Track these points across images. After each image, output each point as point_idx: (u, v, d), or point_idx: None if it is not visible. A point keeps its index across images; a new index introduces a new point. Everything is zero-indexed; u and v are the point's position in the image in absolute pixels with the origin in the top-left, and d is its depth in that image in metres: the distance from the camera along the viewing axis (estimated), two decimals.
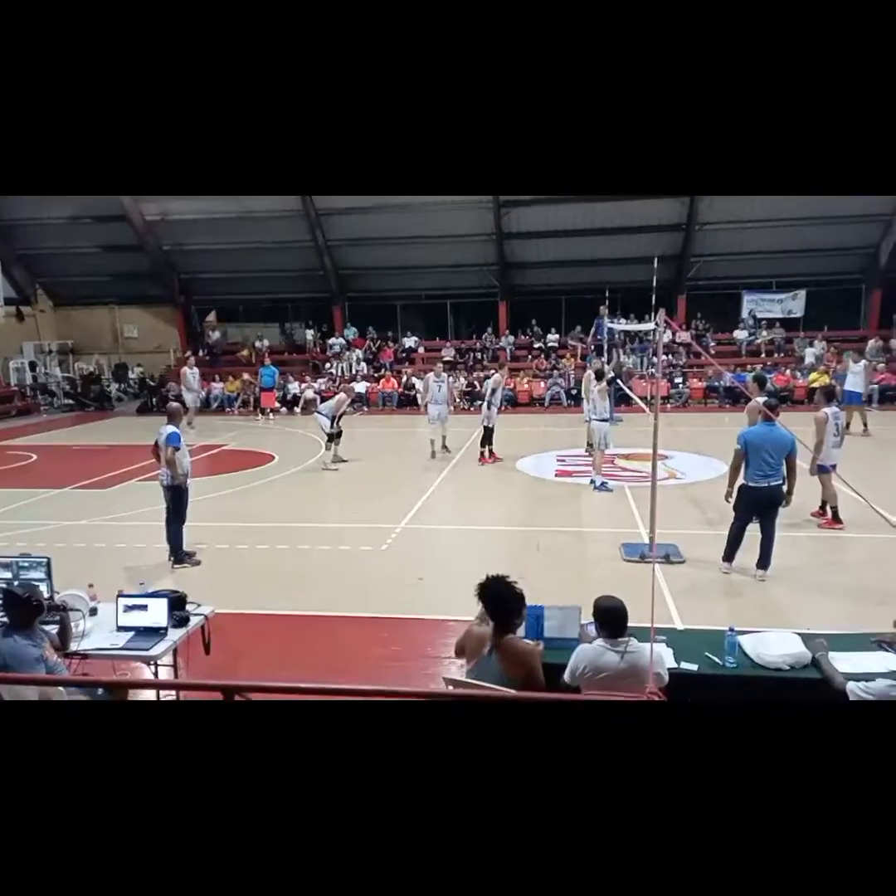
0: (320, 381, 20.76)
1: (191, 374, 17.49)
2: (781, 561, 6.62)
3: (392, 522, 8.49)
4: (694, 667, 3.81)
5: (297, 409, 19.55)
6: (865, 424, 13.40)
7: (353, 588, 6.60)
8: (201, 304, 23.97)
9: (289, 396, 20.06)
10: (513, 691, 3.21)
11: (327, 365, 21.70)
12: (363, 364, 21.58)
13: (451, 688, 3.55)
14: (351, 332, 22.73)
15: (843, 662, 3.58)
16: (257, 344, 22.70)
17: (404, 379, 20.46)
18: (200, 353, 22.89)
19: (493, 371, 14.12)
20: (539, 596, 4.27)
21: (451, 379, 19.07)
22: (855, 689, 3.16)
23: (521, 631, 3.71)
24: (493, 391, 11.83)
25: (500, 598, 3.49)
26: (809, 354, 19.31)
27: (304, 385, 20.39)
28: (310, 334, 22.99)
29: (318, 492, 10.67)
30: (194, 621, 4.38)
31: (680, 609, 5.78)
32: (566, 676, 3.49)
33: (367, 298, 23.30)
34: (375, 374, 21.19)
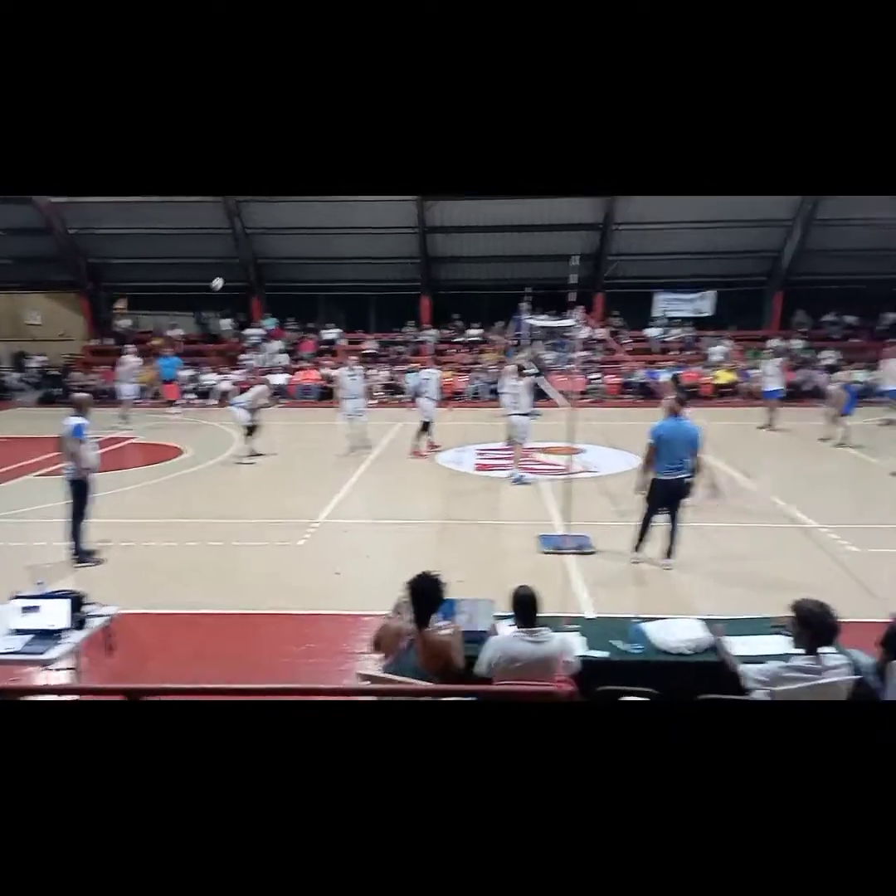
0: (237, 372, 20.21)
1: (129, 366, 16.27)
2: (686, 550, 6.91)
3: (309, 517, 8.37)
4: (604, 654, 3.93)
5: (212, 401, 19.00)
6: (771, 422, 13.98)
7: (268, 585, 6.47)
8: (111, 290, 22.91)
9: (203, 388, 19.46)
10: (430, 684, 3.23)
11: (244, 356, 21.16)
12: (282, 355, 21.16)
13: (366, 683, 3.54)
14: (270, 323, 22.23)
15: (739, 646, 3.76)
16: (170, 333, 21.89)
17: (324, 371, 20.20)
18: (109, 341, 21.92)
19: (425, 365, 14.15)
20: (457, 589, 4.30)
21: (367, 372, 18.97)
22: (749, 672, 3.33)
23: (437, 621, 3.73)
24: (427, 382, 12.11)
25: (428, 594, 3.50)
26: (717, 352, 20.19)
27: (219, 376, 19.83)
28: (226, 324, 22.35)
29: (232, 487, 10.40)
30: (97, 623, 4.19)
31: (592, 598, 5.95)
32: (480, 667, 3.54)
33: (287, 289, 22.82)
34: (295, 366, 20.82)
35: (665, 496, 6.52)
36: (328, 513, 8.64)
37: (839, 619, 3.20)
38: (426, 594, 3.54)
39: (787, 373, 15.44)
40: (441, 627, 3.61)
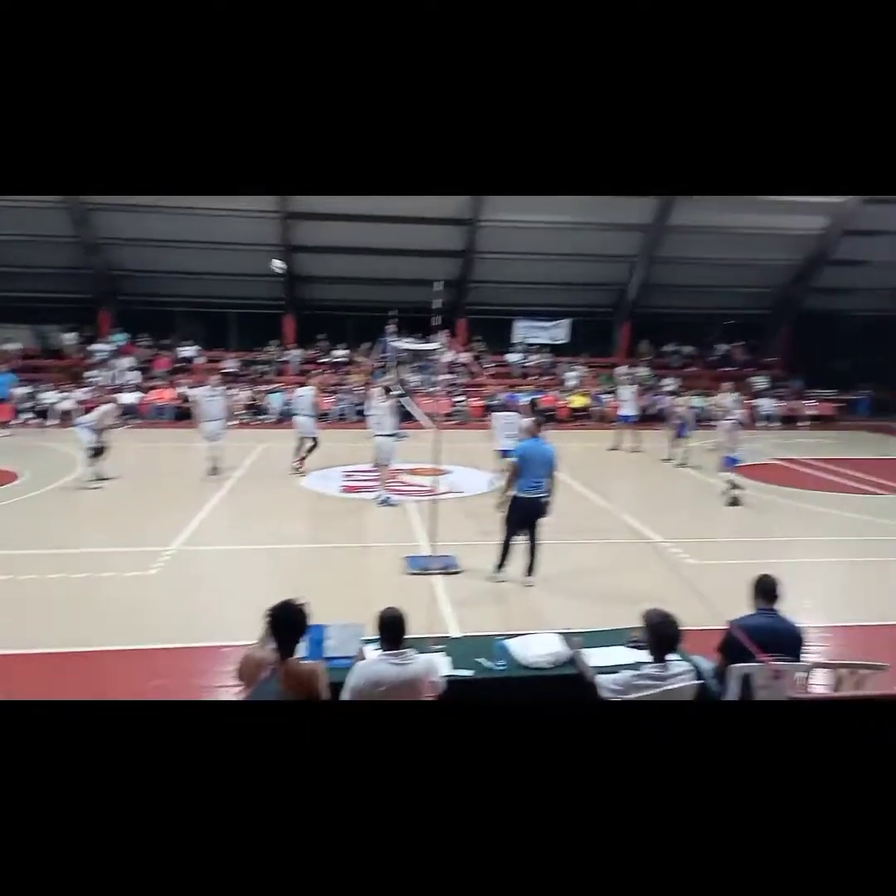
0: (81, 390, 18.82)
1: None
2: (546, 567, 7.17)
3: (163, 545, 7.89)
4: (468, 672, 3.98)
5: (53, 422, 17.56)
6: (628, 445, 14.80)
7: (117, 618, 6.02)
8: None
9: (42, 407, 17.95)
10: None
11: (90, 373, 19.75)
12: (133, 373, 19.95)
13: None
14: (119, 338, 20.92)
15: (595, 657, 3.95)
16: (5, 347, 20.05)
17: (181, 390, 19.27)
18: None
19: (303, 384, 14.03)
20: (324, 614, 4.20)
21: (228, 392, 18.27)
22: (603, 682, 3.50)
23: (301, 651, 3.62)
24: (302, 399, 12.24)
25: (288, 623, 3.37)
26: (571, 377, 21.32)
27: (60, 394, 18.37)
28: (70, 338, 20.79)
29: (76, 514, 9.63)
30: None
31: (457, 617, 6.03)
32: (345, 695, 3.47)
33: (141, 303, 21.61)
34: (148, 384, 19.70)
35: (524, 515, 6.75)
36: (184, 539, 8.19)
37: (681, 628, 3.44)
38: (288, 622, 3.42)
39: (640, 398, 16.45)
40: (305, 660, 3.52)
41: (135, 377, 19.81)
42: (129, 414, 18.54)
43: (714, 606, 3.20)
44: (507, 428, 10.31)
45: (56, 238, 19.23)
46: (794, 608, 4.01)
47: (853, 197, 19.73)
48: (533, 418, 7.38)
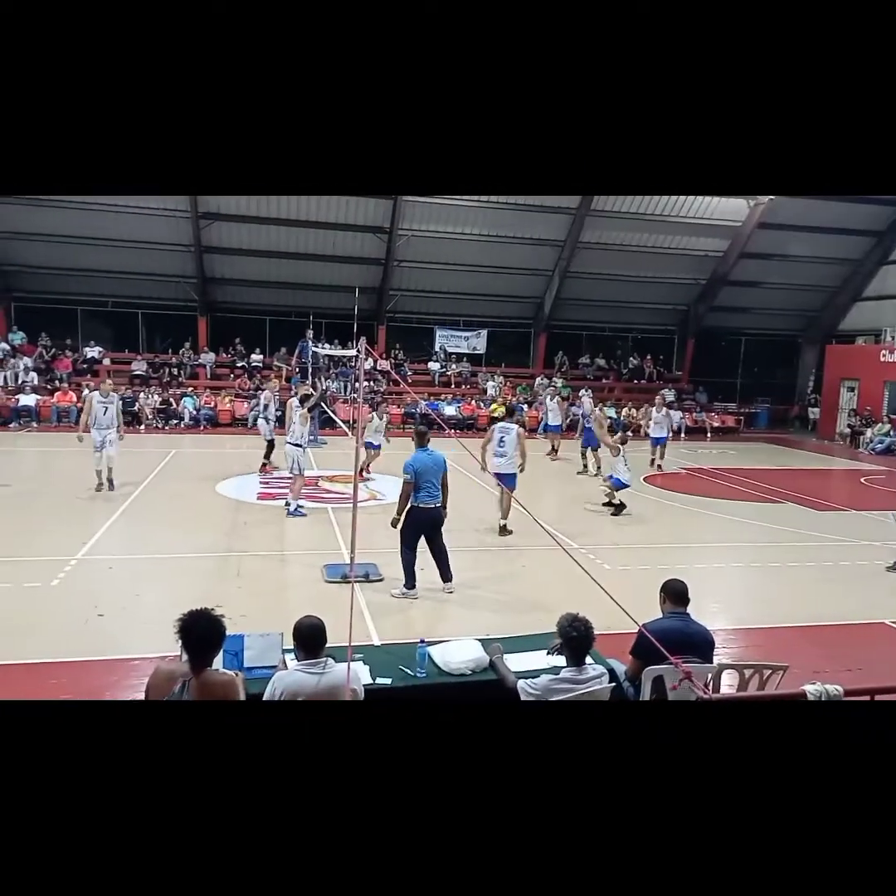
0: None
1: None
2: (466, 573, 7.24)
3: (66, 554, 7.49)
4: (388, 680, 3.96)
5: None
6: (555, 449, 15.72)
7: (15, 631, 5.66)
8: None
9: None
10: None
11: None
12: (33, 374, 18.87)
13: None
14: (17, 337, 19.76)
15: (515, 663, 4.01)
16: None
17: (85, 392, 18.37)
18: None
19: (261, 388, 14.11)
20: (240, 624, 4.08)
21: (135, 396, 17.59)
22: (523, 687, 3.55)
23: (217, 662, 3.51)
24: (266, 406, 12.69)
25: (201, 634, 3.25)
26: (490, 387, 21.63)
27: None
28: None
29: None
30: None
31: (377, 626, 5.99)
32: None
33: (40, 300, 20.49)
34: (48, 386, 18.69)
35: (422, 526, 6.70)
36: (88, 548, 7.79)
37: (594, 632, 3.54)
38: (201, 632, 3.29)
39: (563, 408, 17.07)
40: (221, 671, 3.41)
41: (34, 378, 18.75)
42: (29, 416, 17.55)
43: (628, 610, 3.31)
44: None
45: None
46: (701, 611, 4.19)
47: (750, 220, 20.97)
48: (417, 431, 7.31)
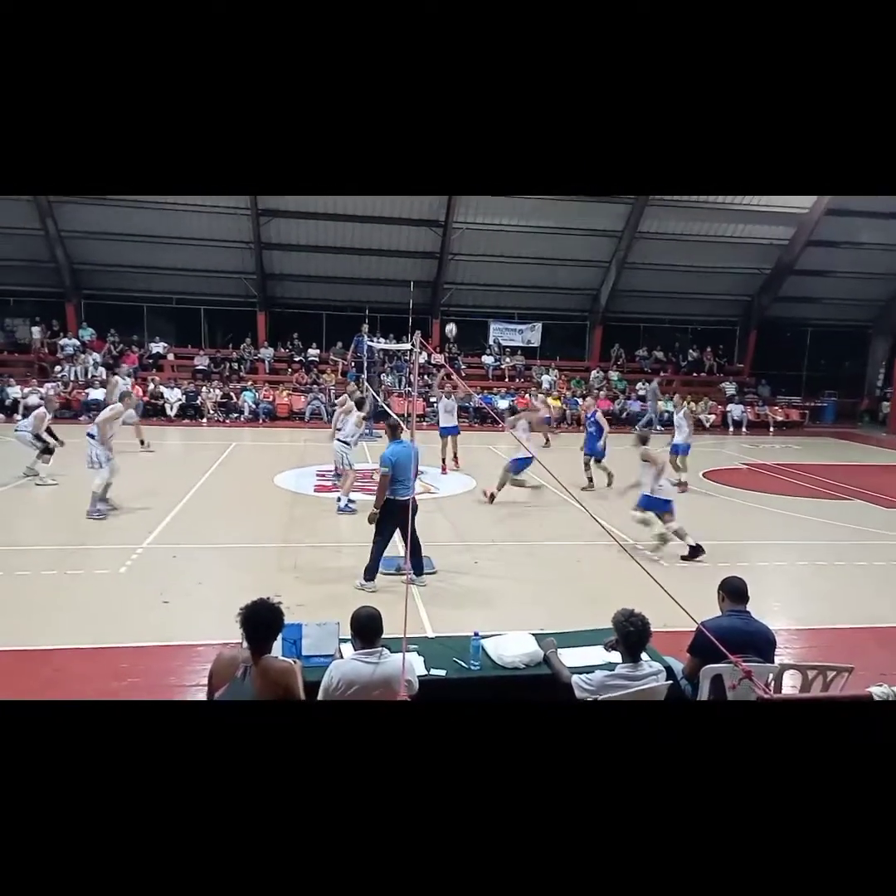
0: (49, 385, 18.48)
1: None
2: (521, 568, 7.23)
3: (133, 543, 7.79)
4: (443, 672, 3.99)
5: (18, 416, 17.18)
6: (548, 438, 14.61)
7: (86, 616, 5.92)
8: None
9: (8, 401, 17.59)
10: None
11: (57, 368, 19.40)
12: (102, 369, 19.63)
13: None
14: (87, 333, 20.56)
15: (569, 657, 3.99)
16: None
17: (151, 387, 19.02)
18: None
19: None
20: (298, 613, 4.18)
21: (198, 388, 18.03)
22: (578, 682, 3.54)
23: (277, 649, 3.61)
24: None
25: (261, 622, 3.35)
26: (545, 380, 21.47)
27: (27, 389, 18.02)
28: (36, 332, 20.38)
29: (41, 511, 9.45)
30: None
31: (431, 617, 6.04)
32: (320, 696, 3.46)
33: (109, 297, 21.27)
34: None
35: (397, 516, 6.57)
36: (154, 538, 8.08)
37: (650, 628, 3.49)
38: (261, 620, 3.40)
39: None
40: (280, 658, 3.50)
41: (103, 373, 19.48)
42: (96, 409, 18.24)
43: (685, 608, 3.25)
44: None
45: (21, 230, 18.87)
46: (761, 610, 4.09)
47: (817, 207, 20.21)
48: (390, 424, 7.30)
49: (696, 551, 8.00)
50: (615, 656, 3.63)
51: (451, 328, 14.92)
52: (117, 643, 5.46)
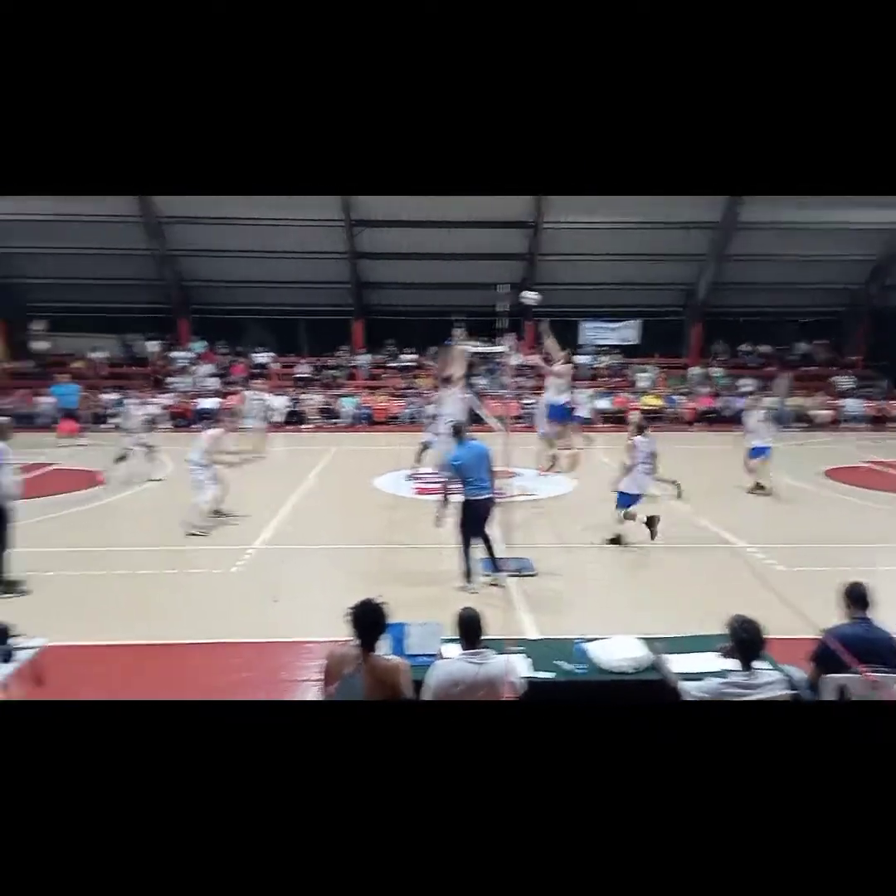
0: (164, 396, 19.66)
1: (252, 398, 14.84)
2: (628, 571, 7.07)
3: (244, 543, 8.17)
4: (548, 675, 3.97)
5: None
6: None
7: (202, 613, 6.27)
8: (27, 311, 21.97)
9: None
10: None
11: (171, 379, 20.61)
12: (212, 379, 20.71)
13: None
14: (198, 346, 21.75)
15: (679, 663, 3.87)
16: (92, 355, 21.17)
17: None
18: (26, 364, 21.01)
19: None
20: (402, 613, 4.23)
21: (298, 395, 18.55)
22: (688, 689, 3.43)
23: (384, 648, 3.69)
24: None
25: (369, 621, 3.45)
26: (643, 379, 20.93)
27: (145, 401, 19.21)
28: (151, 347, 21.73)
29: (161, 513, 10.03)
30: (23, 655, 3.97)
31: (533, 620, 6.01)
32: (424, 695, 3.51)
33: (216, 312, 22.42)
34: (225, 390, 20.41)
35: (477, 517, 6.67)
36: (264, 538, 8.45)
37: (766, 635, 3.34)
38: (369, 620, 3.50)
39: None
40: (387, 656, 3.58)
41: (214, 383, 20.57)
42: (209, 418, 19.23)
43: (804, 614, 3.09)
44: None
45: (135, 251, 20.16)
46: (887, 618, 3.84)
47: None
48: (453, 426, 7.28)
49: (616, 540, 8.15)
50: (729, 663, 3.49)
51: (532, 295, 14.15)
52: (233, 639, 5.74)
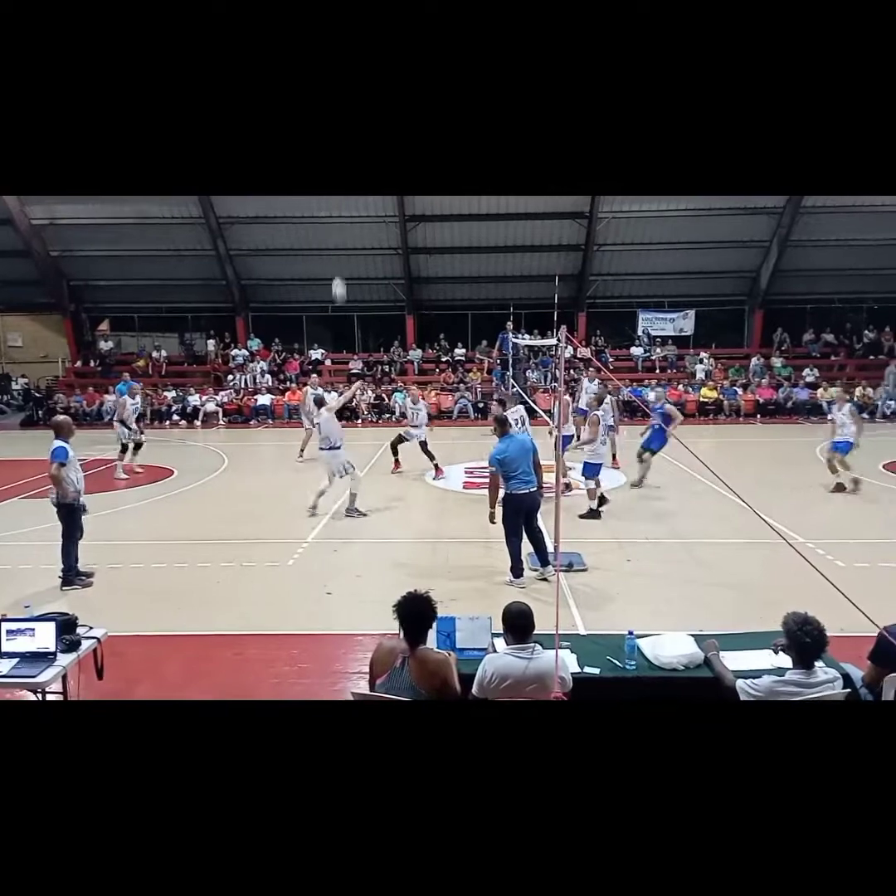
0: (223, 393, 20.20)
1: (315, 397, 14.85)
2: (679, 566, 6.94)
3: (298, 537, 8.33)
4: (596, 671, 3.93)
5: (198, 423, 18.94)
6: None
7: (258, 605, 6.43)
8: (93, 311, 22.88)
9: (189, 409, 19.41)
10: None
11: (229, 377, 21.14)
12: (267, 376, 21.16)
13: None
14: (254, 344, 22.24)
15: (732, 661, 3.79)
16: (155, 354, 21.89)
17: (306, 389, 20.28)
18: (92, 363, 21.87)
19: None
20: (451, 607, 4.28)
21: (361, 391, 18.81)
22: (743, 687, 3.35)
23: (432, 642, 3.72)
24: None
25: (416, 614, 3.48)
26: (699, 370, 20.45)
27: (204, 397, 19.78)
28: (211, 345, 22.35)
29: (220, 507, 10.34)
30: (86, 645, 4.14)
31: (583, 615, 5.96)
32: (474, 690, 3.52)
33: (272, 309, 22.88)
34: (281, 387, 20.83)
35: (520, 511, 6.62)
36: (317, 532, 8.60)
37: (825, 634, 3.24)
38: (417, 613, 3.52)
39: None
40: (435, 649, 3.61)
41: (269, 380, 21.01)
42: (266, 415, 19.68)
43: (864, 612, 2.99)
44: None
45: (195, 251, 20.74)
46: None
47: None
48: (497, 420, 7.21)
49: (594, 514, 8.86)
50: (784, 660, 3.40)
51: (340, 290, 14.31)
52: (288, 630, 5.88)
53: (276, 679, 5.05)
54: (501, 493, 6.71)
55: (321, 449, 9.47)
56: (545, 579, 6.73)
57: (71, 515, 6.69)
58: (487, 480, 10.56)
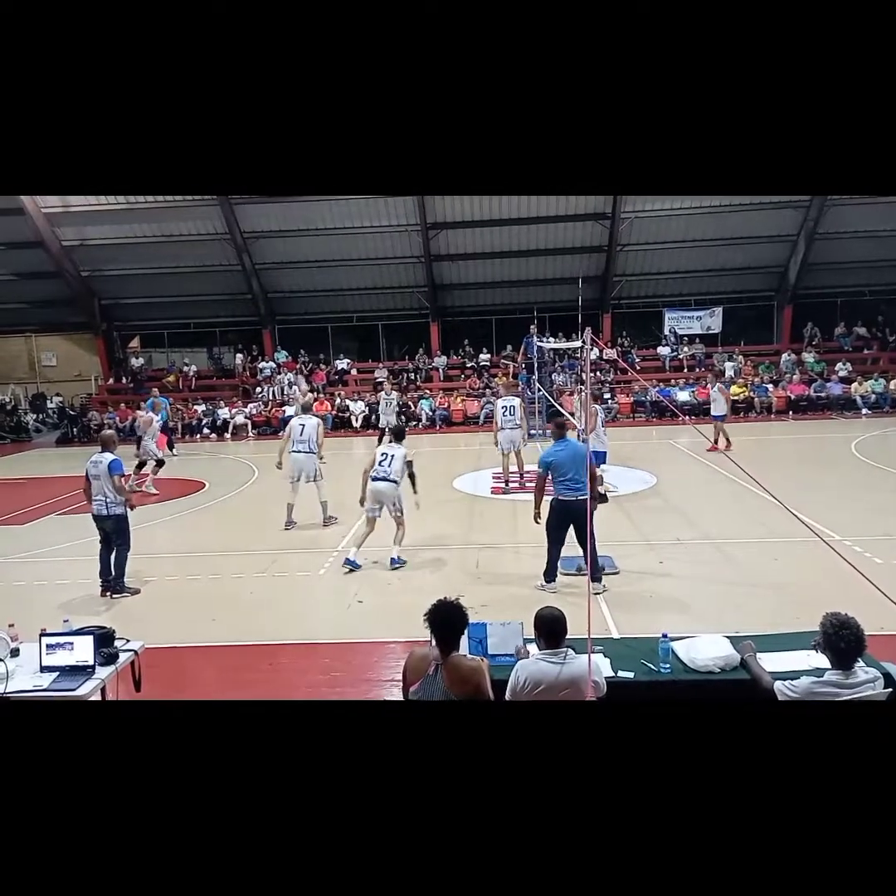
0: (251, 405, 20.44)
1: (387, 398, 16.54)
2: (713, 567, 6.85)
3: (329, 547, 8.38)
4: (630, 674, 3.89)
5: (228, 435, 19.18)
6: (727, 440, 13.22)
7: (291, 615, 6.48)
8: (124, 329, 23.33)
9: (219, 422, 19.67)
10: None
11: (258, 389, 21.39)
12: (295, 387, 21.36)
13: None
14: (281, 356, 22.49)
15: (769, 662, 3.72)
16: (184, 369, 22.24)
17: (337, 401, 20.38)
18: (124, 380, 22.29)
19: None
20: (482, 613, 4.26)
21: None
22: (782, 688, 3.29)
23: (464, 647, 3.71)
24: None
25: (447, 621, 3.48)
26: (729, 368, 20.18)
27: (234, 410, 20.03)
28: (239, 358, 22.64)
29: (251, 518, 10.45)
30: (123, 658, 4.21)
31: (616, 618, 5.91)
32: (507, 696, 3.50)
33: (298, 321, 23.13)
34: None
35: (564, 517, 6.43)
36: (347, 541, 8.64)
37: (863, 636, 3.16)
38: (447, 620, 3.52)
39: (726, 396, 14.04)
40: (468, 656, 3.60)
41: (296, 392, 21.18)
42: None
43: None
44: None
45: (222, 267, 21.06)
46: None
47: None
48: (556, 423, 7.09)
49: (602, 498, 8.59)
50: (823, 660, 3.33)
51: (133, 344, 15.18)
52: (320, 639, 5.91)
53: (309, 687, 5.08)
54: (548, 497, 6.63)
55: (297, 452, 9.51)
56: (597, 592, 6.53)
57: (126, 523, 7.04)
58: (511, 486, 10.55)
